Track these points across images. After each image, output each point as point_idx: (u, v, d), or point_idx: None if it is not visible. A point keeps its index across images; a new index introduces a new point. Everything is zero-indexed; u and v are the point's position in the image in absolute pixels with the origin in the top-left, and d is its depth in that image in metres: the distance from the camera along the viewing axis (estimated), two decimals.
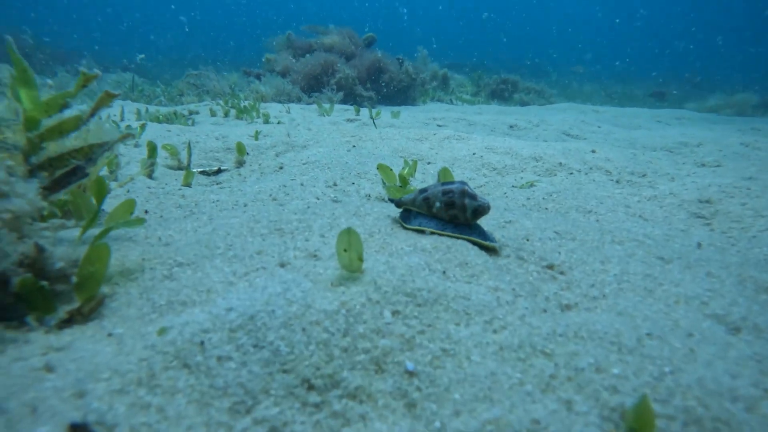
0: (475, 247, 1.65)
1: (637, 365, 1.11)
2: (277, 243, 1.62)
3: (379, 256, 1.51)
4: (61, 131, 1.64)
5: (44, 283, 1.15)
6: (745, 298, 1.51)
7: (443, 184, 1.76)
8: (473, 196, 1.72)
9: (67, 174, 1.50)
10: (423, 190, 1.81)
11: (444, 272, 1.45)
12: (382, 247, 1.62)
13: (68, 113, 1.69)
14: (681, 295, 1.51)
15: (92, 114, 1.58)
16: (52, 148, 1.63)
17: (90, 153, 1.53)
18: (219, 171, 3.93)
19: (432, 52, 12.40)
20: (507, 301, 1.36)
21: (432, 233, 1.74)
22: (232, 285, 1.34)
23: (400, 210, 1.95)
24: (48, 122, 1.64)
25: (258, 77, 10.48)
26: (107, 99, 1.58)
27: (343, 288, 1.30)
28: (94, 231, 1.68)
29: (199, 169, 3.86)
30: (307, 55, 10.49)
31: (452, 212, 1.73)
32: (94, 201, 1.62)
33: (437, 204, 1.75)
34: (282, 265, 1.46)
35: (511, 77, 13.56)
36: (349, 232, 1.34)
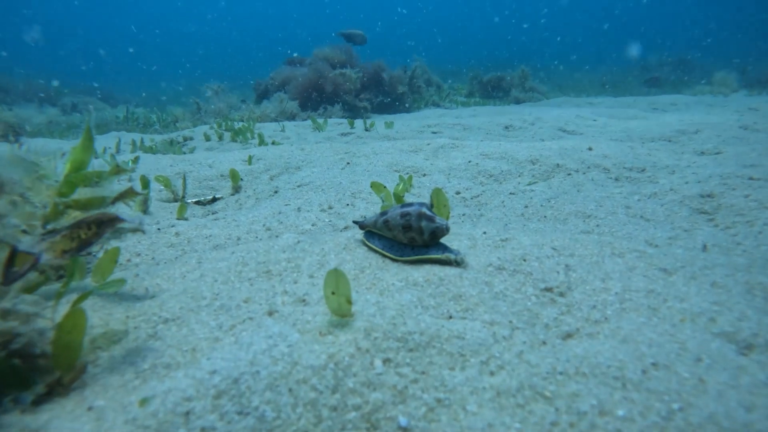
0: (469, 277, 1.59)
1: (643, 403, 1.05)
2: (265, 288, 1.57)
3: (369, 296, 1.46)
4: (86, 206, 1.65)
5: (15, 360, 1.11)
6: (755, 310, 1.44)
7: (402, 206, 1.77)
8: (431, 218, 1.72)
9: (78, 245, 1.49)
10: (384, 213, 1.83)
11: (436, 309, 1.40)
12: (372, 283, 1.56)
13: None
14: (687, 312, 1.44)
15: (115, 200, 1.63)
16: (71, 216, 1.64)
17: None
18: (214, 200, 3.90)
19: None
20: (504, 336, 1.30)
21: (386, 257, 1.79)
22: (218, 341, 1.29)
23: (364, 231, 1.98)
24: (79, 193, 1.69)
25: (264, 95, 10.51)
26: (131, 194, 1.66)
27: (331, 337, 1.24)
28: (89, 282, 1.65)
29: (193, 200, 3.83)
30: (307, 65, 10.54)
31: (410, 235, 1.73)
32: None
33: (396, 227, 1.75)
34: (270, 314, 1.41)
35: (506, 74, 13.51)
36: (336, 274, 1.29)
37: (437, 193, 2.17)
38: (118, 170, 1.79)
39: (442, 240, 1.93)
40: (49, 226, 1.63)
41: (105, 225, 1.37)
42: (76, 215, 1.67)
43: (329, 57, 10.69)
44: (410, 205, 1.76)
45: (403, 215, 1.74)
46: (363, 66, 10.57)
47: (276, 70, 10.94)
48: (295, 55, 11.61)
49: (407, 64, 11.27)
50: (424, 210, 1.73)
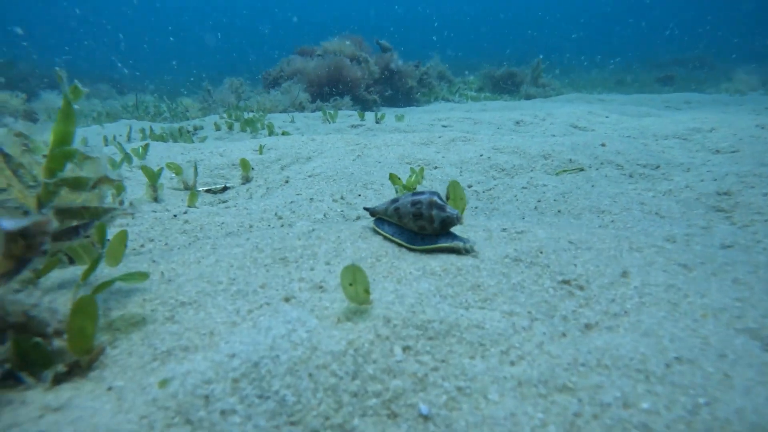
0: (487, 268, 1.58)
1: (668, 397, 1.03)
2: (281, 274, 1.56)
3: (387, 284, 1.45)
4: (76, 185, 1.64)
5: (38, 339, 1.11)
6: None
7: (413, 194, 1.76)
8: (441, 207, 1.71)
9: (72, 229, 1.48)
10: (395, 200, 1.83)
11: (455, 298, 1.39)
12: (390, 272, 1.55)
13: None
14: (708, 308, 1.42)
15: (94, 186, 1.63)
16: (65, 197, 1.63)
17: (98, 214, 1.52)
18: (225, 188, 3.90)
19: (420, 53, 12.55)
20: (523, 326, 1.28)
21: (397, 244, 1.80)
22: (236, 326, 1.29)
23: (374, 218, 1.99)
24: (67, 171, 1.68)
25: (273, 85, 10.49)
26: (107, 182, 1.66)
27: (350, 324, 1.24)
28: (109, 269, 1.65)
29: (204, 188, 3.83)
30: (316, 57, 10.49)
31: (420, 223, 1.72)
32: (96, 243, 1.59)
33: (406, 215, 1.74)
34: (287, 300, 1.41)
35: (519, 70, 13.42)
36: (353, 269, 1.28)
37: (454, 186, 2.15)
38: (84, 158, 1.77)
39: (455, 230, 1.92)
40: (45, 210, 1.61)
41: (34, 236, 1.19)
42: (67, 196, 1.65)
43: (341, 48, 10.64)
44: (421, 193, 1.75)
45: (414, 203, 1.73)
46: (375, 58, 10.55)
47: (286, 59, 10.89)
48: (334, 40, 11.53)
49: (422, 60, 11.34)
50: (435, 199, 1.71)
